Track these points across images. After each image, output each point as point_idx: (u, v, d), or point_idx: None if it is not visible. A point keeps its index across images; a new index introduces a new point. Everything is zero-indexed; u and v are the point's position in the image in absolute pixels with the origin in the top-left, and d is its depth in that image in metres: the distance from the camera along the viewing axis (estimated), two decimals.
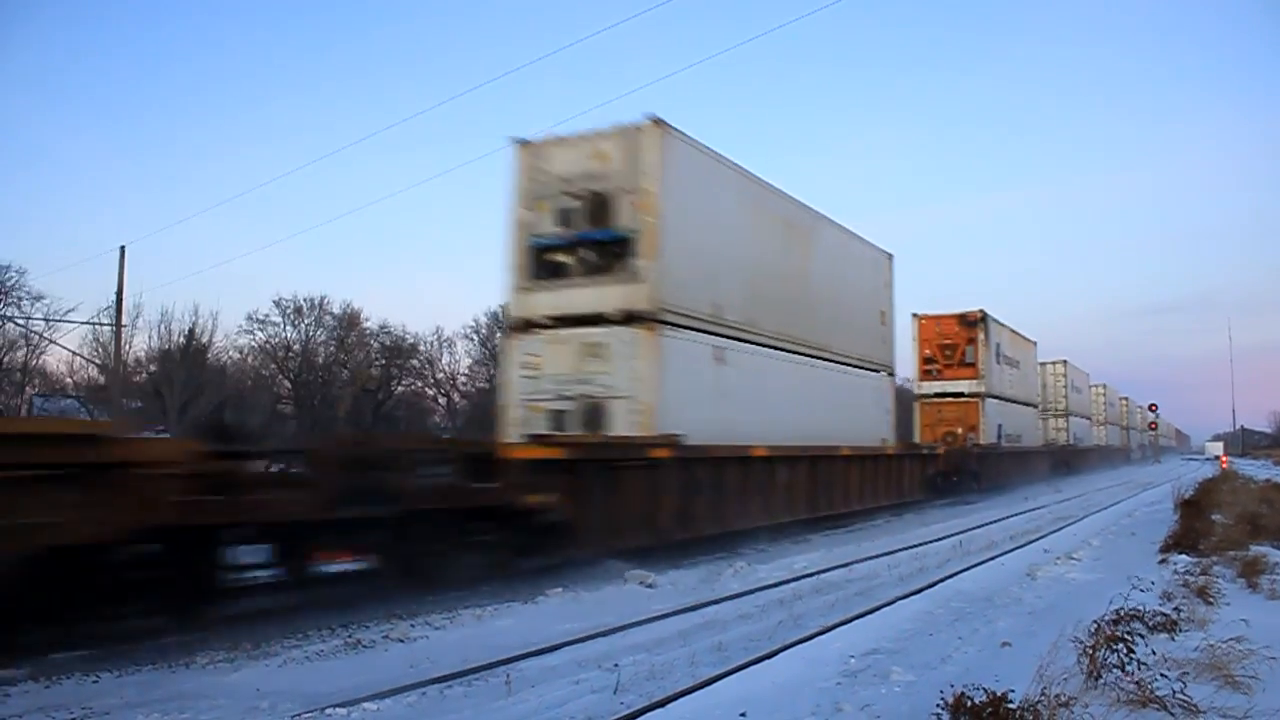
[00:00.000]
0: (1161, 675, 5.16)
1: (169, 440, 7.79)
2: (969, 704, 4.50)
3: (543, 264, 13.70)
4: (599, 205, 13.27)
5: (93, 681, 6.33)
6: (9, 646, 6.49)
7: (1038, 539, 15.31)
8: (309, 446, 9.47)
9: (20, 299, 36.91)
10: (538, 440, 11.55)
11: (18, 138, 65.96)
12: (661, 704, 5.61)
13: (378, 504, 8.71)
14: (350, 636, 7.72)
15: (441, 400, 49.95)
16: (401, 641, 7.63)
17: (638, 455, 12.36)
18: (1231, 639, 6.12)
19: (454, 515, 9.61)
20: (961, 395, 32.06)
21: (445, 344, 49.28)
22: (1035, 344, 41.44)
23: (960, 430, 31.35)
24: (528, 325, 13.68)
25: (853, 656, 6.70)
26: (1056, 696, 4.63)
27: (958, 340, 32.43)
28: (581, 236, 13.47)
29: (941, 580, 10.65)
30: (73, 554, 6.64)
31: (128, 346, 36.00)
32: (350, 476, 8.72)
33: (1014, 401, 36.07)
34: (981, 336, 32.45)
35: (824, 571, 11.61)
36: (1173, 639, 6.46)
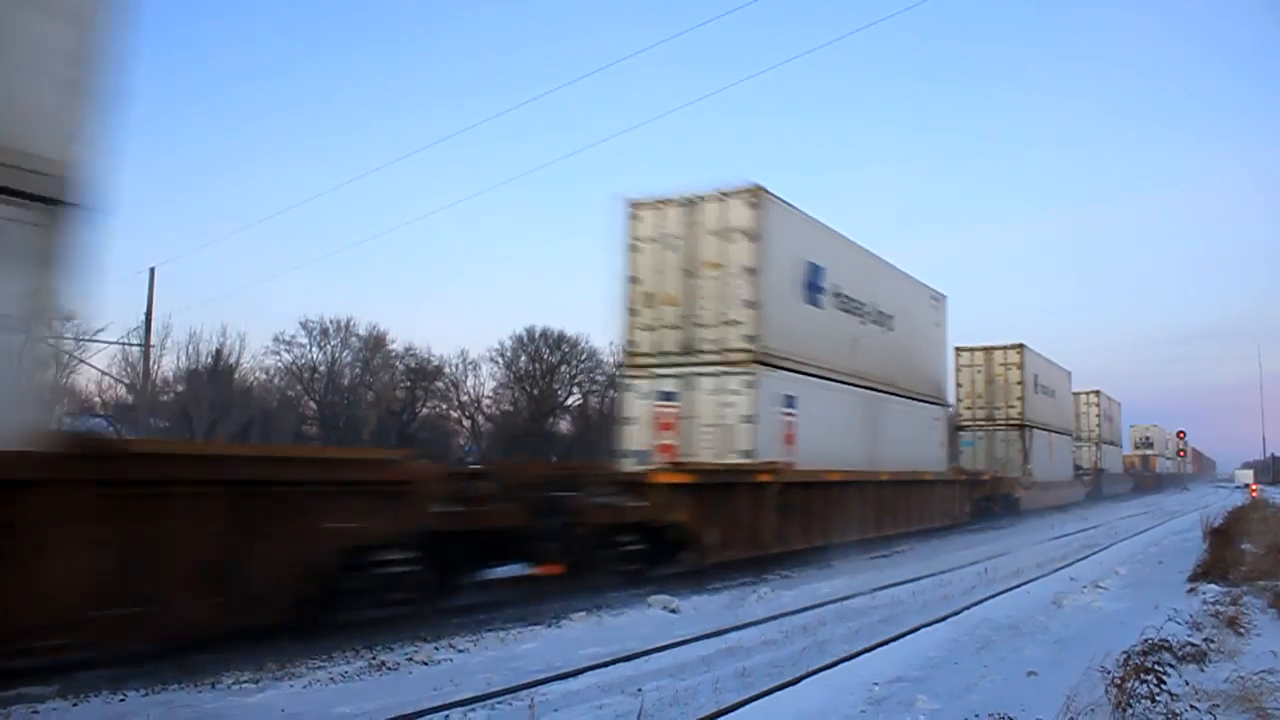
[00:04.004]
0: (1191, 707, 5.11)
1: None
2: None
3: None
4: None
5: (120, 700, 6.38)
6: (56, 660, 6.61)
7: (1064, 566, 15.16)
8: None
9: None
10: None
11: None
12: None
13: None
14: (375, 658, 7.75)
15: (466, 423, 50.08)
16: (426, 664, 7.65)
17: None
18: (1263, 671, 6.05)
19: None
20: None
21: (470, 367, 49.46)
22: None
23: None
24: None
25: (877, 684, 6.66)
26: None
27: None
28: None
29: (967, 608, 10.57)
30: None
31: (156, 366, 36.41)
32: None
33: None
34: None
35: (848, 598, 11.55)
36: (1202, 670, 6.40)
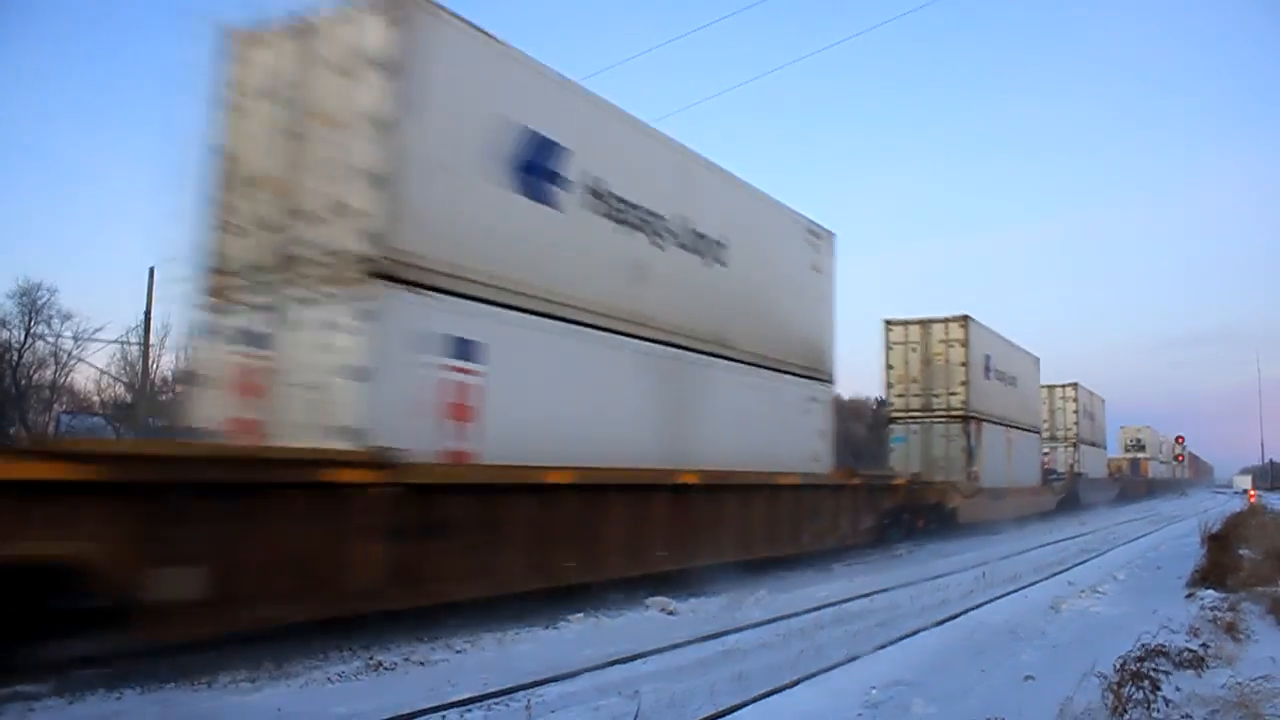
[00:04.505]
0: (1185, 716, 5.11)
1: None
2: None
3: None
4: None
5: (116, 698, 6.37)
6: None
7: (1062, 571, 15.17)
8: None
9: (50, 317, 37.45)
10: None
11: (51, 158, 67.14)
12: None
13: None
14: (371, 659, 7.74)
15: None
16: (422, 665, 7.65)
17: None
18: (1260, 677, 6.06)
19: None
20: None
21: None
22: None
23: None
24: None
25: (874, 688, 6.66)
26: None
27: None
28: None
29: (964, 612, 10.56)
30: None
31: (155, 366, 36.39)
32: None
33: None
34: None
35: (845, 601, 11.54)
36: (1199, 676, 6.41)
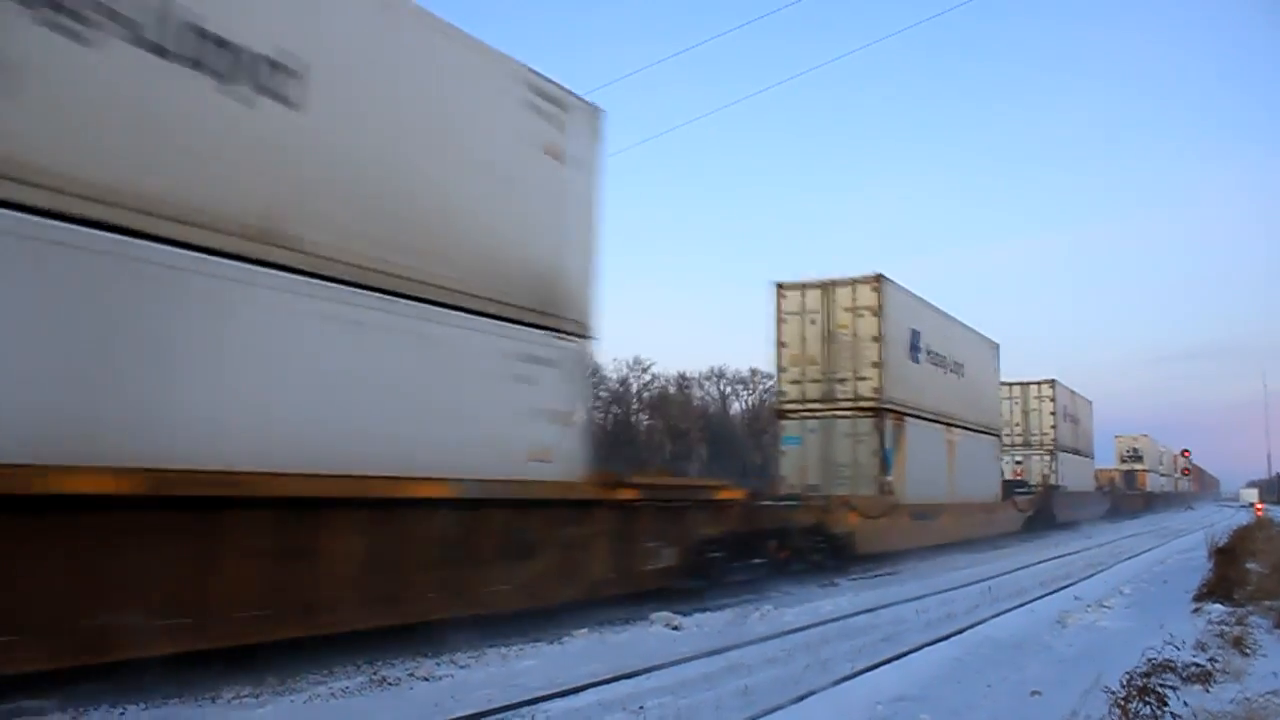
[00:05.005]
0: None
1: None
2: None
3: None
4: None
5: (119, 714, 6.35)
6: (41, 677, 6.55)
7: (1068, 585, 15.12)
8: None
9: None
10: None
11: None
12: None
13: None
14: (375, 674, 7.72)
15: None
16: (427, 680, 7.62)
17: None
18: (1269, 692, 6.03)
19: None
20: None
21: None
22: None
23: None
24: None
25: (879, 703, 6.63)
26: None
27: None
28: None
29: (970, 626, 10.53)
30: None
31: None
32: None
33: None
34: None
35: (850, 616, 11.51)
36: (1207, 690, 6.37)
